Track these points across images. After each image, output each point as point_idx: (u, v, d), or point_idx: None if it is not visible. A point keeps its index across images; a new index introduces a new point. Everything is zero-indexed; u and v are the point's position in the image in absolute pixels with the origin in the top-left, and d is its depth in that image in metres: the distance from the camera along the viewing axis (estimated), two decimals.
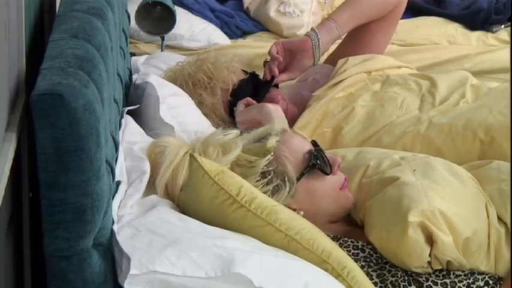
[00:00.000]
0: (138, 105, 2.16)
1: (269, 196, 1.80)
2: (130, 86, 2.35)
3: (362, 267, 1.76)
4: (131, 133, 1.94)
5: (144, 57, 2.98)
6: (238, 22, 3.84)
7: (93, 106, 1.38)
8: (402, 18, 2.91)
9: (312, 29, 2.56)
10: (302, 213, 1.84)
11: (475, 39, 3.75)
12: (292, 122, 2.47)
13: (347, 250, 1.81)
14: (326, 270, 1.59)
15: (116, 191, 1.63)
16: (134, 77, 2.43)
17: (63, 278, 1.42)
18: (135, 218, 1.58)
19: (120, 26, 2.33)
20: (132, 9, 3.11)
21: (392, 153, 2.05)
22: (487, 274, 1.78)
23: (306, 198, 1.88)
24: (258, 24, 3.88)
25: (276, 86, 2.62)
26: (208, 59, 2.55)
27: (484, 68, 3.56)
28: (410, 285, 1.75)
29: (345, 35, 2.74)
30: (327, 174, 1.90)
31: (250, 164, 1.83)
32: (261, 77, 2.59)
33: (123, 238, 1.48)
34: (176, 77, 2.54)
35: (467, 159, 2.18)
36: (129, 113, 2.06)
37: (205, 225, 1.60)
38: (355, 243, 1.84)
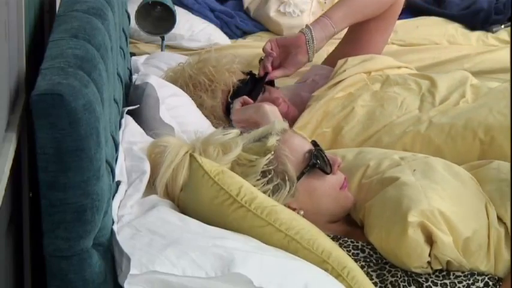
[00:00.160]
0: (138, 105, 2.16)
1: (269, 195, 1.80)
2: (130, 86, 2.35)
3: (362, 267, 1.76)
4: (131, 133, 1.94)
5: (144, 57, 2.98)
6: (238, 22, 3.83)
7: (93, 106, 1.38)
8: (402, 18, 2.91)
9: (306, 26, 2.56)
10: (302, 212, 1.85)
11: (475, 39, 3.75)
12: (293, 123, 2.47)
13: (347, 250, 1.81)
14: (326, 270, 1.59)
15: (116, 191, 1.63)
16: (134, 77, 2.44)
17: (63, 278, 1.42)
18: (135, 218, 1.58)
19: (120, 26, 2.33)
20: (132, 9, 3.11)
21: (392, 154, 2.05)
22: (486, 275, 1.78)
23: (306, 198, 1.88)
24: (258, 24, 3.88)
25: (272, 82, 2.61)
26: (209, 61, 2.55)
27: (484, 68, 3.56)
28: (410, 285, 1.75)
29: (341, 34, 2.73)
30: (327, 174, 1.90)
31: (250, 163, 1.83)
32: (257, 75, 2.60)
33: (123, 238, 1.48)
34: (177, 78, 2.54)
35: (467, 159, 2.18)
36: (129, 113, 2.06)
37: (205, 225, 1.60)
38: (355, 244, 1.84)
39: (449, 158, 2.09)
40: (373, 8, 2.62)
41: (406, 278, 1.76)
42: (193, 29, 3.65)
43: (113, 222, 1.54)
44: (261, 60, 2.59)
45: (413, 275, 1.77)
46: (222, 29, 3.79)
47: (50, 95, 1.34)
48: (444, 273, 1.77)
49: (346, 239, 1.85)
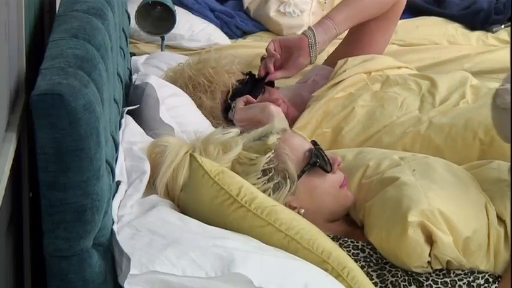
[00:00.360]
0: (138, 105, 2.16)
1: (270, 194, 1.81)
2: (130, 86, 2.35)
3: (362, 267, 1.76)
4: (131, 133, 1.94)
5: (144, 57, 2.98)
6: (238, 22, 3.83)
7: (93, 106, 1.38)
8: (402, 18, 2.91)
9: (309, 28, 2.56)
10: (303, 211, 1.86)
11: (475, 39, 3.75)
12: (293, 124, 2.47)
13: (347, 250, 1.81)
14: (326, 270, 1.59)
15: (116, 191, 1.63)
16: (134, 77, 2.43)
17: (63, 278, 1.42)
18: (135, 218, 1.58)
19: (120, 26, 2.33)
20: (132, 9, 3.11)
21: (392, 154, 2.05)
22: (486, 272, 1.78)
23: (306, 196, 1.88)
24: (258, 24, 3.88)
25: (272, 83, 2.61)
26: (209, 62, 2.54)
27: (484, 68, 3.56)
28: (410, 285, 1.75)
29: (343, 35, 2.73)
30: (328, 172, 1.91)
31: (251, 161, 1.83)
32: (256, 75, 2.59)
33: (123, 238, 1.48)
34: (176, 78, 2.53)
35: (467, 159, 2.18)
36: (129, 113, 2.06)
37: (205, 225, 1.60)
38: (355, 243, 1.84)
39: (449, 158, 2.09)
40: (376, 8, 2.62)
41: (406, 278, 1.76)
42: (193, 29, 3.65)
43: (113, 222, 1.54)
44: (262, 59, 2.59)
45: (413, 274, 1.77)
46: (222, 29, 3.79)
47: (50, 95, 1.34)
48: (444, 271, 1.77)
49: (346, 239, 1.85)
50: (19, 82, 1.59)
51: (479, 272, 1.78)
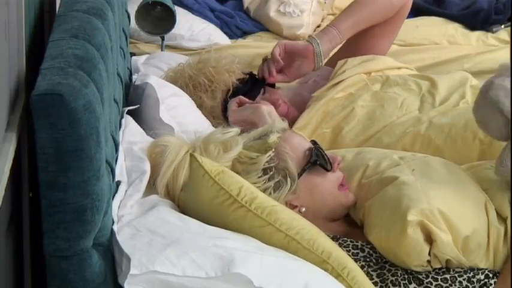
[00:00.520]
0: (138, 106, 2.16)
1: (271, 192, 1.81)
2: (130, 86, 2.35)
3: (362, 267, 1.76)
4: (131, 133, 1.94)
5: (144, 57, 2.98)
6: (238, 22, 3.83)
7: (93, 106, 1.38)
8: None
9: (315, 36, 2.55)
10: (303, 209, 1.86)
11: (475, 39, 3.75)
12: (293, 124, 2.47)
13: (347, 250, 1.81)
14: (326, 270, 1.59)
15: (116, 191, 1.63)
16: (134, 77, 2.43)
17: (63, 278, 1.42)
18: (135, 218, 1.58)
19: (120, 26, 2.33)
20: (132, 9, 3.11)
21: (392, 153, 2.05)
22: (486, 268, 1.79)
23: (307, 195, 1.89)
24: (258, 24, 3.88)
25: (273, 84, 2.60)
26: (209, 61, 2.54)
27: (484, 68, 3.55)
28: (410, 283, 1.76)
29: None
30: (328, 171, 1.91)
31: (251, 160, 1.83)
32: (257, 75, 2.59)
33: (123, 238, 1.48)
34: (177, 78, 2.53)
35: (467, 160, 2.18)
36: (129, 113, 2.06)
37: (205, 225, 1.60)
38: (355, 243, 1.84)
39: (449, 158, 2.09)
40: (381, 15, 2.61)
41: (406, 276, 1.76)
42: (193, 29, 3.65)
43: (113, 222, 1.54)
44: (264, 60, 2.58)
45: (413, 272, 1.77)
46: (222, 29, 3.79)
47: (50, 95, 1.34)
48: (444, 269, 1.77)
49: (345, 238, 1.86)
50: (19, 82, 1.59)
51: (479, 268, 1.78)
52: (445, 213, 1.76)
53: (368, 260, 1.82)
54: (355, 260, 1.74)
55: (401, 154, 2.06)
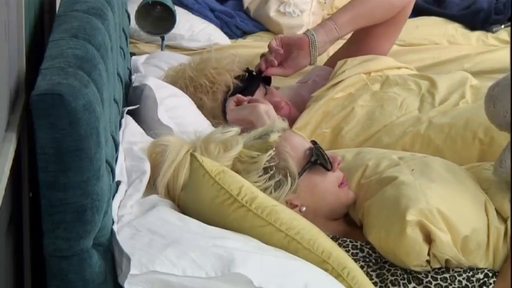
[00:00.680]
0: (138, 106, 2.16)
1: (271, 191, 1.82)
2: (130, 86, 2.34)
3: (361, 267, 1.76)
4: (131, 133, 1.94)
5: (144, 56, 2.97)
6: (238, 22, 3.83)
7: (93, 106, 1.38)
8: None
9: (311, 29, 2.55)
10: (304, 209, 1.87)
11: (475, 39, 3.75)
12: (293, 124, 2.47)
13: (346, 250, 1.81)
14: (326, 270, 1.59)
15: (116, 191, 1.63)
16: (133, 77, 2.43)
17: (63, 278, 1.42)
18: (135, 218, 1.58)
19: (120, 26, 2.33)
20: (132, 9, 3.11)
21: (391, 154, 2.05)
22: (486, 268, 1.79)
23: (307, 194, 1.89)
24: (258, 24, 3.88)
25: (269, 79, 2.59)
26: (210, 63, 2.53)
27: (484, 68, 3.56)
28: (410, 282, 1.76)
29: (346, 36, 2.72)
30: (328, 170, 1.91)
31: (252, 159, 1.84)
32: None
33: (123, 238, 1.48)
34: (177, 79, 2.53)
35: (467, 160, 2.18)
36: (129, 113, 2.06)
37: (205, 225, 1.60)
38: (354, 243, 1.84)
39: (449, 158, 2.09)
40: (381, 13, 2.59)
41: (405, 276, 1.76)
42: (193, 29, 3.65)
43: (113, 222, 1.54)
44: (262, 56, 2.57)
45: (412, 272, 1.77)
46: (222, 29, 3.79)
47: (50, 95, 1.34)
48: (444, 269, 1.77)
49: (345, 238, 1.86)
50: (19, 82, 1.59)
51: (478, 268, 1.78)
52: (444, 213, 1.76)
53: (367, 260, 1.82)
54: (355, 260, 1.74)
55: (401, 154, 2.06)
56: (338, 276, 1.59)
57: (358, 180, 1.98)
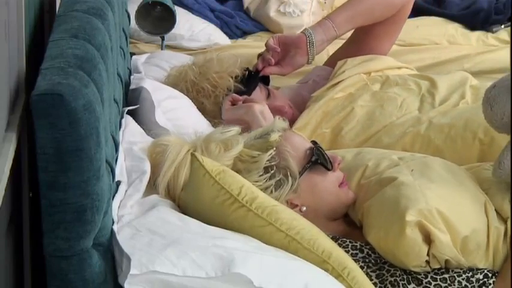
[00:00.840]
0: (138, 106, 2.16)
1: (272, 191, 1.82)
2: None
3: (361, 267, 1.76)
4: (131, 133, 1.94)
5: (145, 56, 2.97)
6: (238, 22, 3.83)
7: (93, 106, 1.38)
8: None
9: (309, 27, 2.55)
10: (304, 208, 1.87)
11: (475, 39, 3.75)
12: (292, 124, 2.46)
13: (345, 251, 1.81)
14: (326, 270, 1.59)
15: (116, 191, 1.63)
16: (132, 78, 2.43)
17: (63, 278, 1.42)
18: (135, 218, 1.58)
19: (120, 26, 2.33)
20: (132, 9, 3.11)
21: (391, 154, 2.05)
22: (485, 268, 1.79)
23: (308, 194, 1.89)
24: (258, 24, 3.88)
25: (267, 78, 2.58)
26: (212, 66, 2.50)
27: (484, 68, 3.56)
28: (409, 283, 1.76)
29: (346, 36, 2.72)
30: (329, 170, 1.91)
31: (253, 159, 1.84)
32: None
33: (123, 238, 1.48)
34: (179, 81, 2.51)
35: (467, 160, 2.18)
36: (128, 113, 2.06)
37: (205, 225, 1.60)
38: (354, 244, 1.84)
39: (449, 159, 2.09)
40: (379, 12, 2.58)
41: (405, 277, 1.76)
42: (193, 29, 3.65)
43: (113, 222, 1.54)
44: (260, 55, 2.57)
45: (412, 273, 1.77)
46: (222, 29, 3.79)
47: (50, 95, 1.34)
48: (443, 269, 1.77)
49: (344, 239, 1.86)
50: (19, 82, 1.59)
51: (478, 268, 1.78)
52: (444, 213, 1.76)
53: (367, 260, 1.82)
54: (354, 261, 1.74)
55: (401, 154, 2.06)
56: (338, 276, 1.59)
57: (358, 181, 1.99)
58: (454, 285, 1.75)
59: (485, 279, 1.76)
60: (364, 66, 2.61)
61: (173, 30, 3.29)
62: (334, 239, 1.84)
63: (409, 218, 1.74)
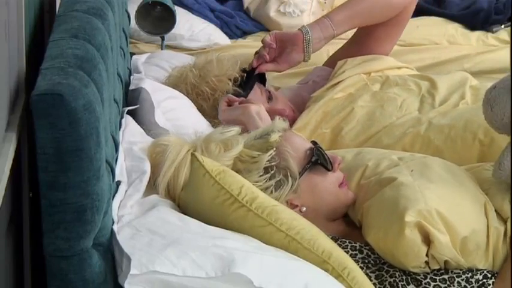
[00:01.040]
0: (138, 106, 2.16)
1: (272, 191, 1.82)
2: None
3: (360, 268, 1.76)
4: (131, 133, 1.94)
5: (145, 55, 2.97)
6: (238, 22, 3.83)
7: (93, 106, 1.38)
8: None
9: (306, 25, 2.54)
10: (304, 209, 1.87)
11: (475, 39, 3.75)
12: (292, 124, 2.46)
13: (345, 251, 1.81)
14: (326, 270, 1.59)
15: (116, 191, 1.63)
16: (132, 78, 2.43)
17: (63, 278, 1.42)
18: (135, 218, 1.58)
19: (120, 26, 2.33)
20: (132, 9, 3.11)
21: (391, 154, 2.05)
22: (485, 269, 1.79)
23: (308, 194, 1.89)
24: (258, 24, 3.88)
25: (263, 76, 2.57)
26: (212, 69, 2.50)
27: (484, 68, 3.56)
28: (408, 284, 1.76)
29: (346, 36, 2.71)
30: (329, 171, 1.91)
31: (253, 159, 1.84)
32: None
33: (123, 238, 1.48)
34: (180, 82, 2.51)
35: (467, 160, 2.18)
36: (129, 113, 2.06)
37: (205, 225, 1.60)
38: (353, 244, 1.84)
39: (448, 159, 2.09)
40: (380, 12, 2.57)
41: (404, 277, 1.76)
42: (193, 29, 3.65)
43: (113, 222, 1.54)
44: (256, 53, 2.56)
45: (411, 273, 1.77)
46: (222, 29, 3.79)
47: (50, 95, 1.34)
48: (442, 270, 1.77)
49: (344, 240, 1.86)
50: (19, 82, 1.59)
51: (477, 269, 1.78)
52: (443, 213, 1.76)
53: (366, 261, 1.82)
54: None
55: (401, 154, 2.06)
56: (338, 276, 1.59)
57: (358, 181, 1.98)
58: (454, 286, 1.75)
59: (485, 280, 1.76)
60: (364, 67, 2.61)
61: (173, 30, 3.29)
62: (334, 239, 1.84)
63: (408, 219, 1.74)
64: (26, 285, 1.64)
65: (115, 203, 1.59)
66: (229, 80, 2.47)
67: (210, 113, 2.45)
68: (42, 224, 1.40)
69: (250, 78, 2.50)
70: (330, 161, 1.93)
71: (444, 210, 1.76)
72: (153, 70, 2.72)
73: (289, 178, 1.86)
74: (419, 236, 1.74)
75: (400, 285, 1.76)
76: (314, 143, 1.99)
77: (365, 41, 2.67)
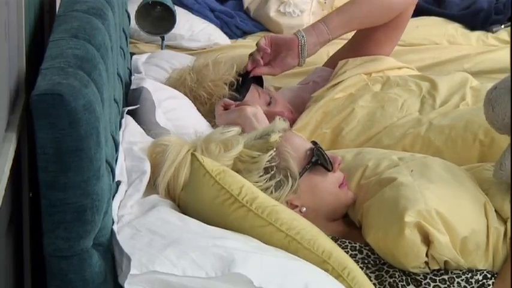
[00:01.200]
0: (138, 106, 2.16)
1: (272, 192, 1.82)
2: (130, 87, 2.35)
3: (360, 268, 1.76)
4: (131, 133, 1.94)
5: (145, 55, 2.97)
6: (238, 22, 3.83)
7: (93, 106, 1.38)
8: None
9: (302, 29, 2.53)
10: (304, 209, 1.87)
11: (475, 39, 3.75)
12: (293, 124, 2.46)
13: (345, 251, 1.81)
14: (326, 270, 1.59)
15: (116, 191, 1.63)
16: (133, 78, 2.43)
17: (63, 278, 1.42)
18: (135, 218, 1.58)
19: (120, 26, 2.33)
20: (132, 9, 3.11)
21: (391, 154, 2.05)
22: (485, 269, 1.78)
23: (308, 195, 1.89)
24: (258, 24, 3.88)
25: (260, 78, 2.57)
26: (208, 73, 2.49)
27: (484, 68, 3.56)
28: (408, 284, 1.76)
29: (347, 36, 2.71)
30: (329, 171, 1.91)
31: (253, 159, 1.84)
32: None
33: (123, 238, 1.48)
34: (178, 85, 2.51)
35: (468, 161, 2.18)
36: (129, 113, 2.06)
37: (205, 225, 1.60)
38: (353, 245, 1.84)
39: (449, 160, 2.09)
40: (377, 16, 2.56)
41: (404, 278, 1.76)
42: (193, 29, 3.65)
43: (113, 222, 1.54)
44: (251, 55, 2.56)
45: (411, 274, 1.77)
46: (222, 29, 3.79)
47: (50, 95, 1.34)
48: (442, 271, 1.77)
49: (344, 240, 1.86)
50: (19, 82, 1.59)
51: (477, 269, 1.78)
52: (443, 214, 1.76)
53: (366, 261, 1.82)
54: None
55: (401, 155, 2.06)
56: (338, 276, 1.59)
57: (358, 181, 1.99)
58: (453, 286, 1.75)
59: (485, 280, 1.76)
60: (365, 67, 2.60)
61: (173, 30, 3.29)
62: (334, 239, 1.84)
63: (408, 219, 1.74)
64: (26, 285, 1.64)
65: (115, 203, 1.59)
66: (225, 84, 2.47)
67: (207, 117, 2.44)
68: (42, 224, 1.40)
69: (245, 82, 2.50)
70: (330, 161, 1.93)
71: (444, 211, 1.76)
72: (153, 70, 2.72)
73: (289, 178, 1.86)
74: (419, 236, 1.74)
75: (399, 286, 1.76)
76: (314, 143, 1.99)
77: (364, 44, 2.66)
